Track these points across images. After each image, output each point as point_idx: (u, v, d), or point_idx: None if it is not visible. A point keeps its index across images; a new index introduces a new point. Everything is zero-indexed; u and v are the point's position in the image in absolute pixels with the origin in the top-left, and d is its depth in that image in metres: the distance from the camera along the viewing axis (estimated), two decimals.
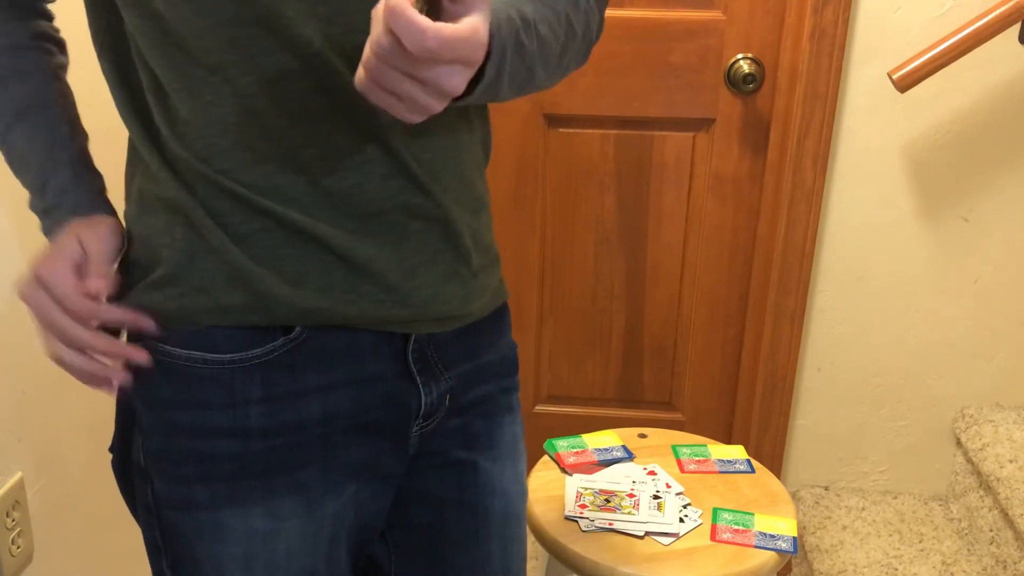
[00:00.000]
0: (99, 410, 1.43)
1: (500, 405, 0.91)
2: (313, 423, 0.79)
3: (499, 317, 0.90)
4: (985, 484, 1.78)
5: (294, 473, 0.79)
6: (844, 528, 1.87)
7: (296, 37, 0.69)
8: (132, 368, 0.78)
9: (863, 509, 1.93)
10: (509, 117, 1.87)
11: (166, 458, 0.78)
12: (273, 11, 0.68)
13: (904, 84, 1.56)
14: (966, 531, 1.85)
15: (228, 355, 0.76)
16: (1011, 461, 1.70)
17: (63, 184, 0.82)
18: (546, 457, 1.42)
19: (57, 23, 0.89)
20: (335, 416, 0.79)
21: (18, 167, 0.83)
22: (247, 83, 0.70)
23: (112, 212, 0.84)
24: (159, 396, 0.77)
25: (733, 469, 1.42)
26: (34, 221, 0.84)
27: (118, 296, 0.81)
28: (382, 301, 0.77)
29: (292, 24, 0.68)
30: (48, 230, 0.82)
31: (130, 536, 1.47)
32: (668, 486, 1.35)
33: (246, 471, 0.78)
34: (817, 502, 1.96)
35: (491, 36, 0.66)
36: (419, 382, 0.83)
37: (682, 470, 1.41)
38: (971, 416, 1.86)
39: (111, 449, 0.84)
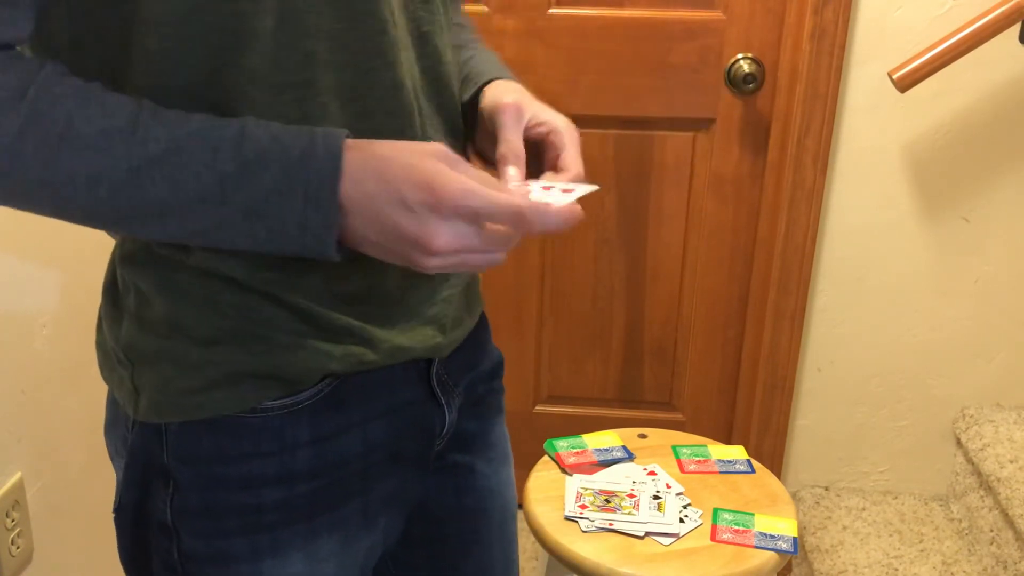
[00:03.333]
0: (99, 410, 1.43)
1: (492, 405, 0.92)
2: (355, 458, 0.77)
3: (483, 325, 0.92)
4: (985, 484, 1.78)
5: (336, 511, 0.78)
6: (844, 528, 1.87)
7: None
8: None
9: (863, 509, 1.93)
10: None
11: (204, 514, 0.74)
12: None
13: (904, 84, 1.56)
14: (966, 531, 1.85)
15: (279, 401, 0.73)
16: (1011, 461, 1.70)
17: (269, 129, 0.63)
18: (546, 457, 1.42)
19: None
20: (374, 448, 0.78)
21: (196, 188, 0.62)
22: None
23: None
24: (200, 451, 0.73)
25: (733, 469, 1.42)
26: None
27: (131, 342, 0.74)
28: (431, 334, 0.79)
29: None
30: (325, 172, 0.62)
31: None
32: (668, 486, 1.35)
33: (291, 517, 0.76)
34: (817, 502, 1.96)
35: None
36: (443, 402, 0.83)
37: (682, 470, 1.41)
38: (971, 416, 1.86)
39: (117, 509, 0.79)
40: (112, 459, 0.82)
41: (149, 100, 0.63)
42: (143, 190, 0.61)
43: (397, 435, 0.80)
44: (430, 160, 0.62)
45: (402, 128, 0.71)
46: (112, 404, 0.80)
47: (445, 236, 0.61)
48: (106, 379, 0.80)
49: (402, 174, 0.61)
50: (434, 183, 0.61)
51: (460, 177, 0.61)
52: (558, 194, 0.67)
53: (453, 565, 0.92)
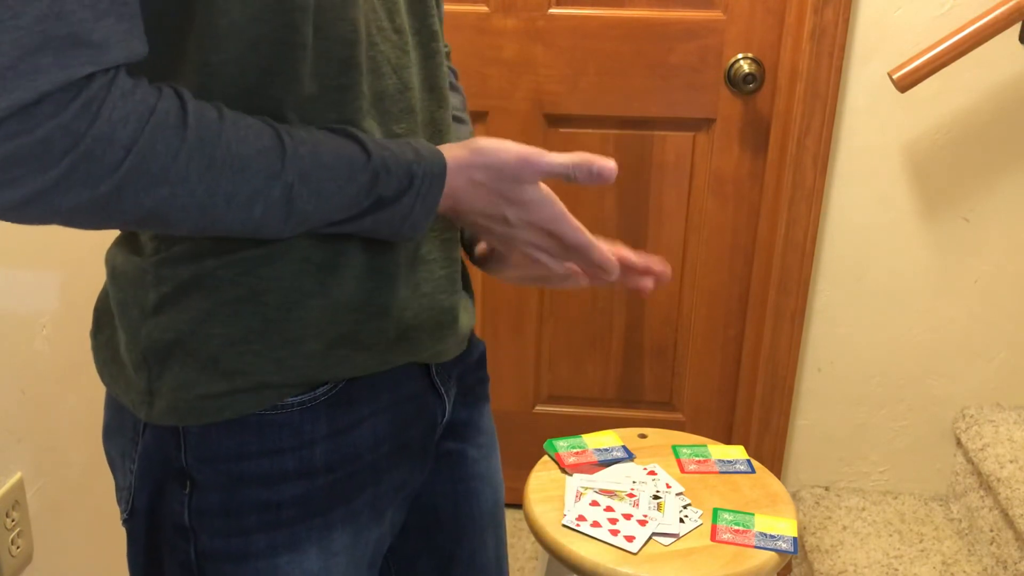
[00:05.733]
0: (99, 410, 1.43)
1: (479, 394, 0.94)
2: (366, 450, 0.79)
3: None
4: (985, 484, 1.78)
5: (349, 505, 0.79)
6: (844, 528, 1.87)
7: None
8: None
9: (863, 509, 1.93)
10: (509, 117, 1.87)
11: (223, 512, 0.75)
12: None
13: (904, 84, 1.56)
14: (966, 531, 1.85)
15: (298, 398, 0.74)
16: (1011, 461, 1.70)
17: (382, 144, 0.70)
18: (546, 457, 1.42)
19: None
20: (383, 440, 0.80)
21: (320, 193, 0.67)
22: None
23: None
24: (221, 450, 0.74)
25: (733, 469, 1.42)
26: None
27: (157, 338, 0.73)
28: (443, 337, 0.81)
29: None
30: (425, 179, 0.70)
31: None
32: (668, 486, 1.35)
33: (309, 511, 0.77)
34: (817, 502, 1.96)
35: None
36: (442, 393, 0.85)
37: (682, 470, 1.41)
38: (971, 416, 1.86)
39: (129, 516, 0.79)
40: (112, 465, 0.82)
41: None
42: (292, 205, 0.65)
43: (403, 427, 0.82)
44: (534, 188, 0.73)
45: (409, 130, 0.75)
46: (115, 409, 0.79)
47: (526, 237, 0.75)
48: (108, 383, 0.79)
49: (494, 195, 0.72)
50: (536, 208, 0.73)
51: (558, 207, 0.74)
52: None
53: (448, 552, 0.94)
